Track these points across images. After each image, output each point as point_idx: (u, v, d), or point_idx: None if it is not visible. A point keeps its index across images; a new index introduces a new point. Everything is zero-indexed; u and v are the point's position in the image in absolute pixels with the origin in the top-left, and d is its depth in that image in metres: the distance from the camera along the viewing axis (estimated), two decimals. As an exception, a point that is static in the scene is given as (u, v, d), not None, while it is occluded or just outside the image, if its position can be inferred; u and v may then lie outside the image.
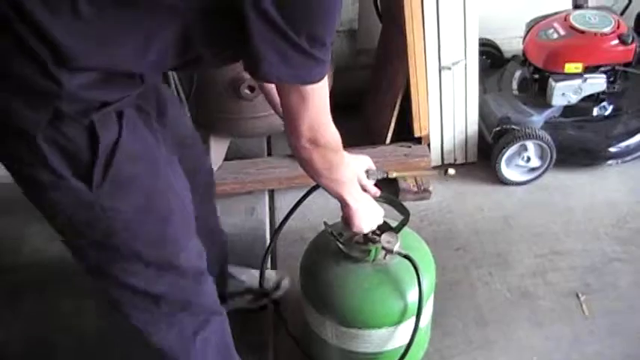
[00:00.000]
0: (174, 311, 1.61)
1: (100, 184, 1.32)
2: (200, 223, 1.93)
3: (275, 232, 2.09)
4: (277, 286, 2.34)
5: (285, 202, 2.81)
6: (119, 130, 1.32)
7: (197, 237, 1.62)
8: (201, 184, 1.98)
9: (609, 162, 2.89)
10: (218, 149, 2.74)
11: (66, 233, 1.45)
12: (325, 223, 1.89)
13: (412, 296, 1.83)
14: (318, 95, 1.38)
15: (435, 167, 1.83)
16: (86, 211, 1.35)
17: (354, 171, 1.73)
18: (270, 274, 2.38)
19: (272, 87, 1.73)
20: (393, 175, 1.95)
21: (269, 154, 3.06)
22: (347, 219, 1.76)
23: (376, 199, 1.88)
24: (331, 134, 1.50)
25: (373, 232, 1.84)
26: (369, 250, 1.84)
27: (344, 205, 1.72)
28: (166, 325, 1.63)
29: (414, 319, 1.85)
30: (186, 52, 1.32)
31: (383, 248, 1.82)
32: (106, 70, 1.25)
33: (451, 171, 1.86)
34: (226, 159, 2.79)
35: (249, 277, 2.30)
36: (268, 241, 2.63)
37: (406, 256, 1.81)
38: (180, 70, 1.58)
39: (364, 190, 1.84)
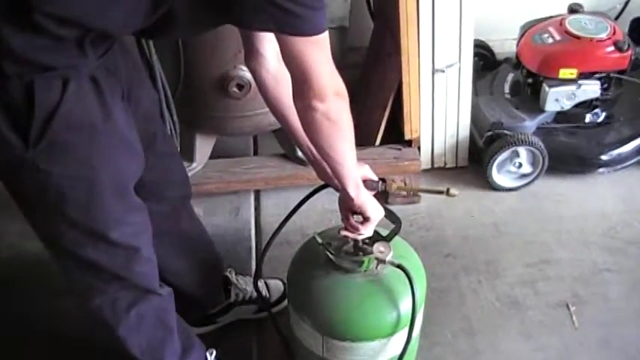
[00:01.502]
0: (108, 280, 1.64)
1: (36, 144, 1.33)
2: (170, 232, 1.94)
3: (270, 238, 2.02)
4: (284, 297, 2.28)
5: (270, 202, 2.77)
6: (61, 96, 1.32)
7: (139, 218, 1.63)
8: (175, 197, 1.96)
9: (601, 170, 2.86)
10: (203, 148, 2.68)
11: (11, 194, 1.50)
12: (315, 234, 1.83)
13: (405, 307, 1.78)
14: (322, 46, 1.38)
15: (438, 190, 1.80)
16: (19, 168, 1.38)
17: None
18: (277, 284, 2.33)
19: (274, 82, 1.69)
20: (393, 187, 1.90)
21: (255, 154, 3.01)
22: (362, 207, 1.69)
23: None
24: (338, 101, 1.47)
25: (364, 242, 1.79)
26: (361, 261, 1.78)
27: (356, 190, 1.66)
28: (101, 293, 1.66)
29: (406, 330, 1.80)
30: (156, 7, 1.32)
31: (375, 258, 1.76)
32: (65, 21, 1.25)
33: (454, 191, 1.81)
34: (211, 157, 2.73)
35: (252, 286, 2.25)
36: (254, 245, 2.59)
37: (399, 266, 1.75)
38: (152, 37, 1.54)
39: None
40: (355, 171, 1.65)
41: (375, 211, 1.72)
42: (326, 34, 1.37)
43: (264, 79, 1.68)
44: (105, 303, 1.68)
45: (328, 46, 1.40)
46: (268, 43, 1.62)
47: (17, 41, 1.24)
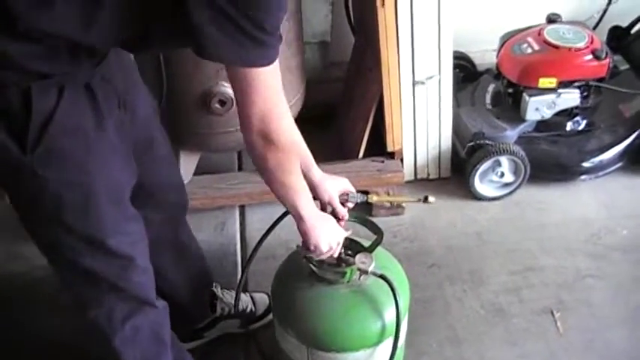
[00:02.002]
0: (104, 290, 1.65)
1: (33, 149, 1.36)
2: (167, 241, 1.93)
3: (250, 255, 2.03)
4: (269, 310, 2.29)
5: (255, 217, 2.78)
6: (57, 102, 1.35)
7: (135, 228, 1.65)
8: (173, 204, 1.97)
9: (582, 177, 2.89)
10: (187, 164, 2.68)
11: (10, 200, 1.52)
12: (298, 246, 1.84)
13: (389, 316, 1.80)
14: (266, 82, 1.37)
15: (416, 198, 1.83)
16: (17, 173, 1.40)
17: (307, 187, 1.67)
18: (262, 298, 2.34)
19: None
20: (373, 199, 1.92)
21: (240, 169, 3.02)
22: (303, 237, 1.70)
23: (349, 219, 1.85)
24: (284, 131, 1.47)
25: (346, 253, 1.81)
26: (344, 272, 1.79)
27: (298, 219, 1.66)
28: (97, 303, 1.68)
29: (391, 339, 1.82)
30: (130, 25, 1.34)
31: (358, 269, 1.78)
32: (50, 34, 1.28)
33: (431, 199, 1.84)
34: (196, 173, 2.74)
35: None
36: (239, 259, 2.60)
37: (382, 276, 1.77)
38: (132, 51, 1.56)
39: (333, 212, 1.82)
40: (297, 202, 1.63)
41: (315, 242, 1.70)
42: (268, 70, 1.35)
43: None
44: (101, 314, 1.69)
45: (270, 82, 1.38)
46: None
47: (13, 49, 1.26)
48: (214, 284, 2.30)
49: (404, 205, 2.76)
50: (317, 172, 1.79)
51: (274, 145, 1.45)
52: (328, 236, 1.71)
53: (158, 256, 1.82)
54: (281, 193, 1.60)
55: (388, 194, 2.77)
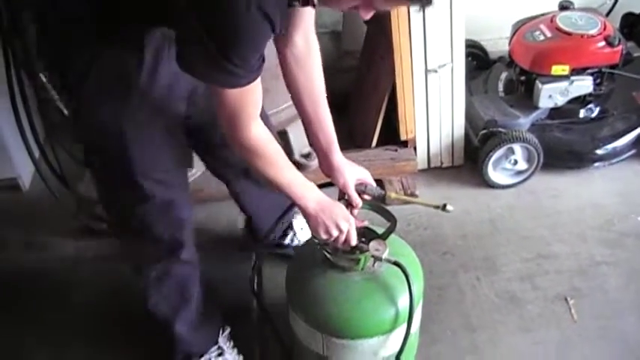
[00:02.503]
0: (139, 230, 1.84)
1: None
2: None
3: (261, 241, 2.06)
4: None
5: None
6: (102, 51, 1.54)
7: (171, 178, 1.80)
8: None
9: (596, 164, 2.89)
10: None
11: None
12: (312, 235, 1.86)
13: (402, 303, 1.81)
14: (234, 100, 1.46)
15: (435, 204, 1.85)
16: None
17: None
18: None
19: (294, 63, 1.79)
20: (391, 197, 1.93)
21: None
22: (309, 226, 1.77)
23: (362, 206, 1.87)
24: (250, 139, 1.55)
25: (360, 241, 1.82)
26: (358, 259, 1.81)
27: (300, 208, 1.73)
28: (129, 245, 1.96)
29: (404, 326, 1.82)
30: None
31: (372, 256, 1.79)
32: None
33: (450, 207, 1.85)
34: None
35: None
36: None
37: (395, 263, 1.78)
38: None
39: (348, 201, 1.84)
40: (293, 193, 1.70)
41: (315, 228, 1.75)
42: (235, 92, 1.43)
43: (287, 58, 1.78)
44: (134, 254, 1.94)
45: (239, 99, 1.46)
46: (300, 29, 1.73)
47: None
48: (296, 217, 2.47)
49: (417, 193, 2.77)
50: (337, 156, 1.85)
51: (244, 147, 1.57)
52: (331, 222, 1.73)
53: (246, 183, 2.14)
54: (276, 187, 1.67)
55: (402, 184, 2.78)
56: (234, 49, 1.34)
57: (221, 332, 2.17)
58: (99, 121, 1.62)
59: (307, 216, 1.73)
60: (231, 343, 2.20)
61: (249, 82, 1.42)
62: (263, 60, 1.42)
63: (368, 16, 1.44)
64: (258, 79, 1.45)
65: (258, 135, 1.56)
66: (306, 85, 1.80)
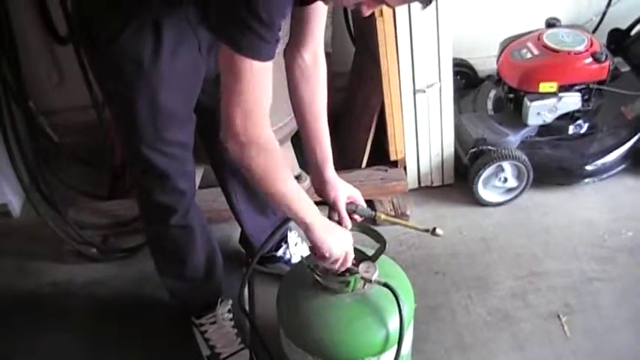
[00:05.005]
0: (143, 190, 2.00)
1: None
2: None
3: (257, 251, 2.04)
4: None
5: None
6: (122, 29, 1.61)
7: (174, 152, 1.88)
8: None
9: (586, 180, 2.90)
10: (192, 177, 2.69)
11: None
12: (302, 257, 1.85)
13: (393, 324, 1.80)
14: (254, 79, 1.42)
15: (424, 228, 1.84)
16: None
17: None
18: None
19: (301, 79, 1.81)
20: (381, 218, 1.92)
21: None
22: (313, 244, 1.70)
23: (352, 228, 1.86)
24: (266, 137, 1.51)
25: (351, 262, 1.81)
26: (348, 281, 1.80)
27: (304, 227, 1.66)
28: (140, 192, 2.07)
29: (395, 347, 1.81)
30: None
31: (362, 278, 1.79)
32: None
33: (439, 231, 1.84)
34: (201, 187, 2.74)
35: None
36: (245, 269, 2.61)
37: (385, 285, 1.78)
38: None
39: (338, 218, 1.84)
40: (297, 208, 1.64)
41: (329, 249, 1.70)
42: (257, 69, 1.41)
43: (294, 71, 1.79)
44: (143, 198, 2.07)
45: (258, 83, 1.44)
46: (310, 44, 1.75)
47: None
48: (292, 230, 2.51)
49: (408, 213, 2.77)
50: (331, 171, 1.86)
51: (254, 144, 1.49)
52: (340, 243, 1.72)
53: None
54: (278, 202, 1.61)
55: (392, 204, 2.78)
56: (262, 3, 1.33)
57: (219, 302, 2.31)
58: (118, 77, 1.71)
59: (317, 236, 1.67)
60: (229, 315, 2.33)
61: (268, 55, 1.41)
62: (278, 40, 1.42)
63: (369, 12, 1.45)
64: (270, 73, 1.45)
65: (272, 136, 1.53)
66: (310, 98, 1.80)
